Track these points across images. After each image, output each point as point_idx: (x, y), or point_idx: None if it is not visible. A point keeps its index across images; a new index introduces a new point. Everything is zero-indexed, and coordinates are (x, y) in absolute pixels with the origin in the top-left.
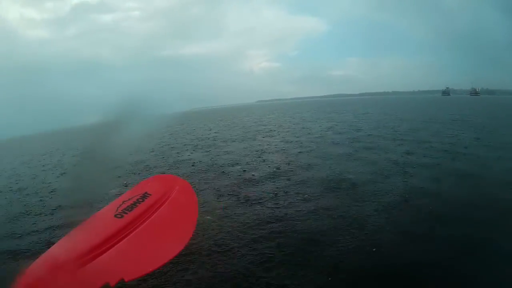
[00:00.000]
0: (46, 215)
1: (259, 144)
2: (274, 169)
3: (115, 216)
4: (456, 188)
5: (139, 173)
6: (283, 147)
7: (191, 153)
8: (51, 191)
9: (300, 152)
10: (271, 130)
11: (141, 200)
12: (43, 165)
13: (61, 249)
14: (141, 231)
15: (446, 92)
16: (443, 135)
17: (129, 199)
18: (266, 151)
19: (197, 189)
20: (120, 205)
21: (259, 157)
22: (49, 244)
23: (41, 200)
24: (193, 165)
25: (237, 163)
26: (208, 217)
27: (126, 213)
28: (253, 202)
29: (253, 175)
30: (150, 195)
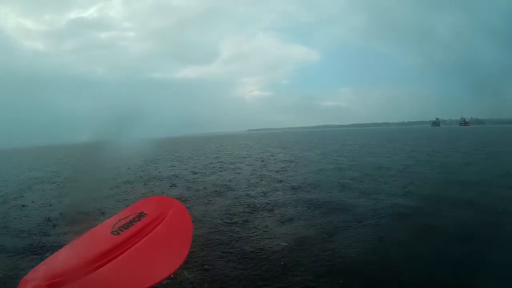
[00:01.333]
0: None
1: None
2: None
3: (112, 232)
4: None
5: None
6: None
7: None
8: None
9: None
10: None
11: (137, 219)
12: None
13: (59, 260)
14: (137, 248)
15: (436, 123)
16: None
17: (125, 218)
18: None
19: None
20: (116, 222)
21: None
22: (44, 255)
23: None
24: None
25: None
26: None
27: (123, 231)
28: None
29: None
30: (146, 215)
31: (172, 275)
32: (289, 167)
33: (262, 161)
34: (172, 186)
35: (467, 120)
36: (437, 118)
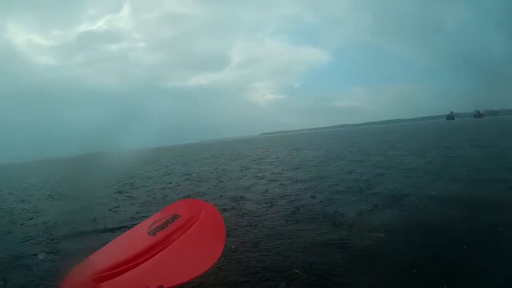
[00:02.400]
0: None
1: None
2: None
3: (148, 233)
4: None
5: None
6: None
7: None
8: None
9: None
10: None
11: (171, 221)
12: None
13: (99, 258)
14: (174, 246)
15: (450, 117)
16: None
17: (159, 220)
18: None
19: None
20: (152, 224)
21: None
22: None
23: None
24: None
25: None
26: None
27: (158, 231)
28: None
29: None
30: (180, 216)
31: (207, 271)
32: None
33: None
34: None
35: (481, 112)
36: (451, 112)
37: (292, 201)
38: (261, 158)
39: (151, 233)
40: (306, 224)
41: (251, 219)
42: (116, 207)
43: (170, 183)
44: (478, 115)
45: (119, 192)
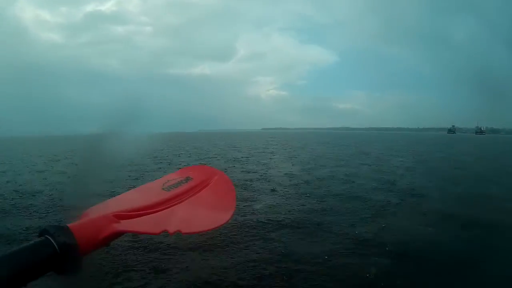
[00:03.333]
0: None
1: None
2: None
3: (163, 189)
4: None
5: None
6: None
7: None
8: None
9: None
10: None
11: (184, 181)
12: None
13: (117, 202)
14: (186, 203)
15: (451, 130)
16: None
17: (173, 179)
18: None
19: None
20: (166, 182)
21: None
22: None
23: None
24: None
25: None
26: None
27: (172, 189)
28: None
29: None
30: (192, 179)
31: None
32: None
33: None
34: None
35: (482, 129)
36: (453, 126)
37: None
38: None
39: (165, 189)
40: None
41: None
42: None
43: None
44: (479, 131)
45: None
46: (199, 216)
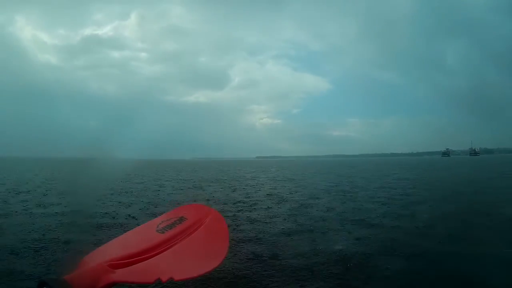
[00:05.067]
0: None
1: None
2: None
3: (157, 231)
4: None
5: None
6: None
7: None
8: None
9: None
10: None
11: (178, 222)
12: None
13: (112, 248)
14: (181, 246)
15: (446, 153)
16: None
17: (167, 220)
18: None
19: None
20: (160, 223)
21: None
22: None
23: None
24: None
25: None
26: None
27: (167, 230)
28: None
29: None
30: (187, 219)
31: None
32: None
33: None
34: None
35: (477, 150)
36: (447, 149)
37: None
38: None
39: (159, 231)
40: None
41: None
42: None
43: None
44: (473, 153)
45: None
46: (193, 260)
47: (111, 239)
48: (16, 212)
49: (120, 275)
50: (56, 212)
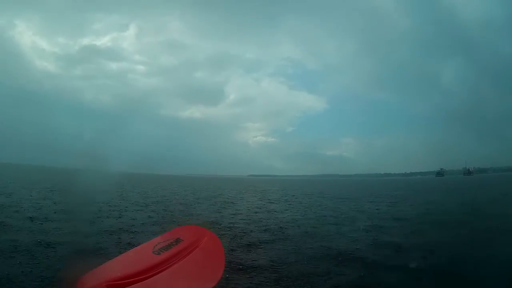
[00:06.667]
0: None
1: None
2: None
3: (153, 252)
4: None
5: None
6: None
7: None
8: None
9: None
10: None
11: (174, 243)
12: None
13: (110, 268)
14: (177, 268)
15: (440, 173)
16: None
17: (163, 241)
18: None
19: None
20: (157, 244)
21: None
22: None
23: None
24: None
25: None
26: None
27: (163, 252)
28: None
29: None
30: (183, 241)
31: None
32: None
33: None
34: None
35: (471, 170)
36: (441, 168)
37: None
38: None
39: (155, 252)
40: None
41: None
42: None
43: None
44: (467, 172)
45: None
46: (189, 281)
47: (108, 260)
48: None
49: None
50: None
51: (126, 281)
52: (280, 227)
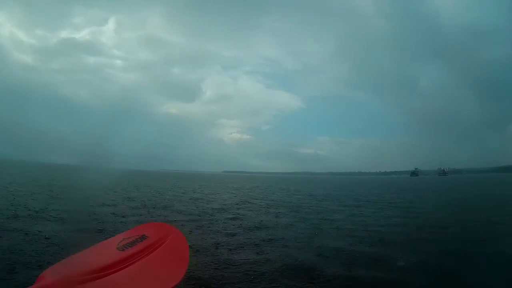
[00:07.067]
0: None
1: None
2: None
3: (117, 248)
4: None
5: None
6: None
7: None
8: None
9: None
10: None
11: (139, 240)
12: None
13: (73, 263)
14: (140, 264)
15: (414, 173)
16: None
17: (128, 238)
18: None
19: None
20: (121, 241)
21: None
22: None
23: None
24: None
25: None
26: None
27: (127, 248)
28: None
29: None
30: (148, 237)
31: None
32: None
33: None
34: None
35: (445, 170)
36: (416, 168)
37: None
38: None
39: (120, 248)
40: None
41: None
42: None
43: None
44: (442, 173)
45: None
46: (152, 278)
47: (71, 255)
48: None
49: None
50: None
51: (87, 276)
52: (250, 227)
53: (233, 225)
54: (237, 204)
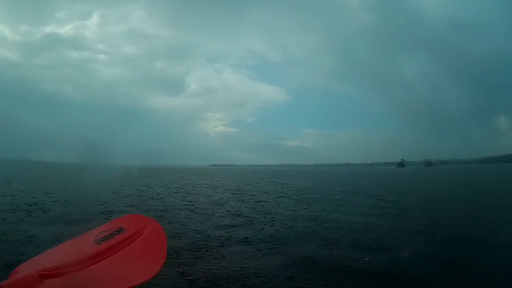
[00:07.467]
0: None
1: None
2: None
3: (94, 242)
4: None
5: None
6: None
7: None
8: None
9: None
10: None
11: (116, 233)
12: None
13: (45, 258)
14: (116, 257)
15: (401, 164)
16: None
17: (106, 231)
18: None
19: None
20: (98, 234)
21: None
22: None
23: None
24: None
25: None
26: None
27: (104, 241)
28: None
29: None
30: (125, 230)
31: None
32: None
33: None
34: None
35: (432, 161)
36: (402, 160)
37: None
38: None
39: (96, 242)
40: None
41: None
42: None
43: None
44: (428, 164)
45: None
46: (128, 270)
47: (46, 250)
48: None
49: (50, 285)
50: None
51: (61, 270)
52: (235, 222)
53: (215, 215)
54: (221, 198)
